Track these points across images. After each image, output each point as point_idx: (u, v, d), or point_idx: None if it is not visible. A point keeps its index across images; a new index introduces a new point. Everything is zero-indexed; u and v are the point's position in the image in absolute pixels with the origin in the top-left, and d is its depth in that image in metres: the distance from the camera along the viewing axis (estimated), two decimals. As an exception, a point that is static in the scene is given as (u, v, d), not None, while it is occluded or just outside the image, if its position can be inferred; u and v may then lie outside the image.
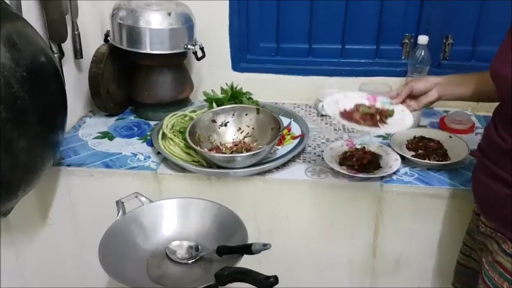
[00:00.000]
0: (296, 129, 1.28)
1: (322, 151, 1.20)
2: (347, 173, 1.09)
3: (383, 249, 1.16)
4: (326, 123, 1.38)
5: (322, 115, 1.42)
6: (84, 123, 1.39)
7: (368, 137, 1.29)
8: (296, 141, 1.24)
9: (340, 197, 1.11)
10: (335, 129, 1.35)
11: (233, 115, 1.24)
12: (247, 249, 0.88)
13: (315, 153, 1.23)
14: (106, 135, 1.32)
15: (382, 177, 1.10)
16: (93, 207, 1.20)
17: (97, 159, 1.20)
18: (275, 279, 0.74)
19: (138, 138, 1.31)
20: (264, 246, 0.86)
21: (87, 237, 1.25)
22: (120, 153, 1.23)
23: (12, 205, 1.01)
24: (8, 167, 0.88)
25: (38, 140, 0.94)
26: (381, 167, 1.12)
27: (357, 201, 1.11)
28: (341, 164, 1.14)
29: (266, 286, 0.74)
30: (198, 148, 1.11)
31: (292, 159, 1.18)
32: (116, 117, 1.43)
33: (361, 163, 1.11)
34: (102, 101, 1.35)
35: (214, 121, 1.23)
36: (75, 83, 1.36)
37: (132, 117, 1.43)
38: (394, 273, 1.18)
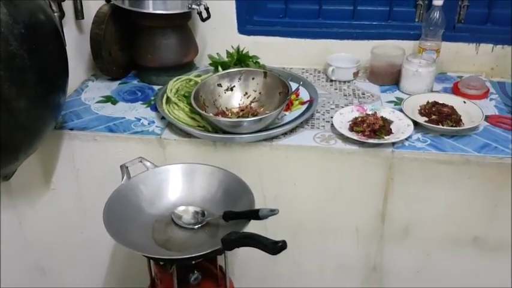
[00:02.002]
0: (304, 95, 1.24)
1: (332, 117, 1.16)
2: (357, 139, 1.06)
3: (392, 216, 1.13)
4: (336, 89, 1.34)
5: (331, 80, 1.38)
6: (86, 87, 1.35)
7: (379, 103, 1.25)
8: (304, 106, 1.20)
9: (350, 164, 1.08)
10: (345, 95, 1.30)
11: (239, 79, 1.20)
12: (254, 214, 0.86)
13: (324, 119, 1.19)
14: (109, 99, 1.29)
15: (393, 143, 1.07)
16: (96, 171, 1.18)
17: (100, 123, 1.17)
18: (284, 244, 0.72)
19: (141, 102, 1.28)
20: (272, 211, 0.84)
21: (90, 201, 1.23)
22: (124, 117, 1.20)
23: (14, 168, 0.99)
24: (7, 127, 0.86)
25: (38, 100, 0.91)
26: (392, 133, 1.09)
27: (367, 167, 1.08)
28: (351, 130, 1.10)
29: (275, 251, 0.72)
30: (203, 112, 1.08)
31: (301, 125, 1.15)
32: (119, 82, 1.39)
33: (372, 129, 1.07)
34: (104, 63, 1.31)
35: (219, 85, 1.19)
36: (77, 46, 1.31)
37: (135, 82, 1.39)
38: (402, 240, 1.17)
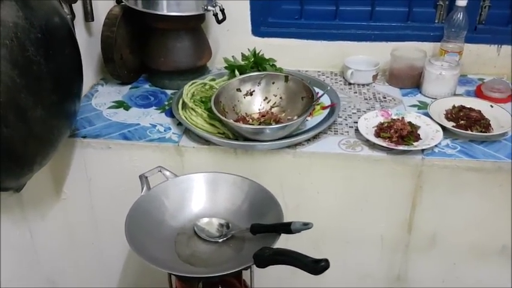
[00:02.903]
0: (325, 99, 1.20)
1: (355, 122, 1.12)
2: (386, 146, 1.02)
3: (419, 225, 1.10)
4: (355, 92, 1.30)
5: (349, 83, 1.34)
6: (96, 92, 1.30)
7: (402, 107, 1.21)
8: (326, 111, 1.15)
9: (377, 171, 1.04)
10: (365, 99, 1.26)
11: (259, 84, 1.15)
12: (286, 228, 0.82)
13: (346, 124, 1.15)
14: (121, 104, 1.23)
15: (423, 150, 1.03)
16: (110, 181, 1.13)
17: (114, 130, 1.12)
18: (326, 263, 0.67)
19: (155, 108, 1.22)
20: (305, 225, 0.80)
21: (102, 212, 1.18)
22: (138, 124, 1.15)
23: (26, 180, 0.94)
24: (23, 138, 0.81)
25: (54, 109, 0.86)
26: (420, 139, 1.05)
27: (394, 175, 1.04)
28: (377, 135, 1.06)
29: (316, 271, 0.67)
30: (224, 119, 1.03)
31: (323, 131, 1.10)
32: (130, 86, 1.34)
33: (400, 135, 1.03)
34: (115, 67, 1.26)
35: (239, 90, 1.15)
36: (86, 48, 1.26)
37: (147, 86, 1.34)
38: (428, 249, 1.13)
